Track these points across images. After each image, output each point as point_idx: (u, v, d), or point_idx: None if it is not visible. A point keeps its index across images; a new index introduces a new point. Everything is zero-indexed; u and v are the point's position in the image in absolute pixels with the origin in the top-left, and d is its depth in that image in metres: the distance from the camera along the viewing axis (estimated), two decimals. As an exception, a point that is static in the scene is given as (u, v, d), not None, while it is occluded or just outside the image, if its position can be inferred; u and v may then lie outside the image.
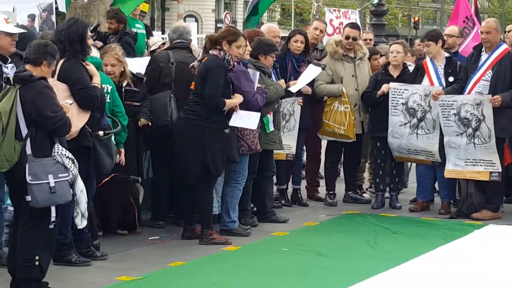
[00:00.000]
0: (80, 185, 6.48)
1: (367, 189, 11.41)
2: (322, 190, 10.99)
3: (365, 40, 12.50)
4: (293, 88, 9.82)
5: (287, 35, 10.47)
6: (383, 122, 10.23)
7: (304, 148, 11.00)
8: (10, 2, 12.76)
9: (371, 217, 9.91)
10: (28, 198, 6.25)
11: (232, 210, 8.86)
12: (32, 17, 12.86)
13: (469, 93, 9.80)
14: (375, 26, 26.42)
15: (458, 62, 10.21)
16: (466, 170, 9.77)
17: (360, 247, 8.47)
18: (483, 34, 9.87)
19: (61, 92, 6.88)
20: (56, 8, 12.78)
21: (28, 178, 6.22)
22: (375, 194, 10.73)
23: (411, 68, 10.55)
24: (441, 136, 9.96)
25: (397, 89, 10.18)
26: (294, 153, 10.20)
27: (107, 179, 8.26)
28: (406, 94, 10.11)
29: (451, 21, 12.85)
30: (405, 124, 10.14)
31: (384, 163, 10.51)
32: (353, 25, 10.87)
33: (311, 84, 10.21)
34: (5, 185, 7.01)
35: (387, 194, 10.62)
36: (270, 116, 9.30)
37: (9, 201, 7.10)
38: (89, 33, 8.36)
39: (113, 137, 7.78)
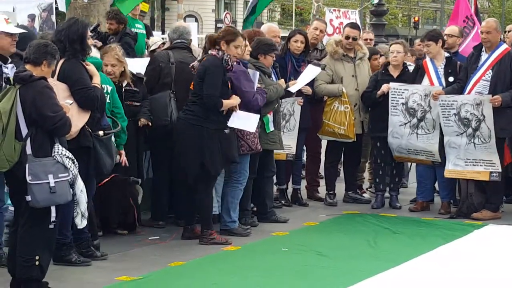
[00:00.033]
0: (80, 185, 6.48)
1: (367, 189, 11.41)
2: (322, 190, 10.99)
3: (366, 40, 12.50)
4: (293, 88, 9.82)
5: (287, 35, 10.47)
6: (383, 122, 10.23)
7: (304, 148, 11.00)
8: (10, 2, 12.75)
9: (371, 217, 9.91)
10: (28, 198, 6.25)
11: (232, 210, 8.86)
12: (32, 17, 12.86)
13: (469, 93, 9.80)
14: (375, 26, 26.43)
15: (458, 62, 10.21)
16: (466, 170, 9.77)
17: (360, 247, 8.47)
18: (483, 34, 9.87)
19: (61, 92, 6.88)
20: (56, 8, 12.78)
21: (28, 178, 6.22)
22: (375, 194, 10.73)
23: (411, 68, 10.55)
24: (441, 136, 9.96)
25: (397, 89, 10.18)
26: (294, 153, 10.20)
27: (107, 179, 8.26)
28: (406, 94, 10.11)
29: (451, 21, 12.85)
30: (405, 124, 10.14)
31: (384, 163, 10.51)
32: (353, 25, 10.87)
33: (311, 84, 10.21)
34: (5, 186, 7.01)
35: (387, 194, 10.62)
36: (270, 116, 9.30)
37: (9, 201, 7.10)
38: (89, 33, 8.36)
39: (113, 138, 7.78)
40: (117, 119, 7.96)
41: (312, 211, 10.31)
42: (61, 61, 7.10)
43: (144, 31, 12.02)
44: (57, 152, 6.34)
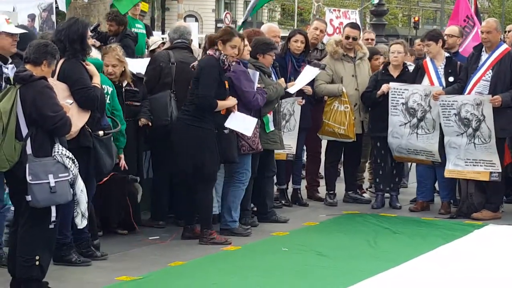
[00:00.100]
0: (80, 185, 6.48)
1: (367, 189, 11.41)
2: (322, 190, 10.99)
3: (367, 40, 12.52)
4: (291, 89, 9.82)
5: (287, 35, 10.47)
6: (383, 122, 10.23)
7: (304, 148, 11.00)
8: (10, 2, 12.74)
9: (371, 217, 9.91)
10: (28, 198, 6.25)
11: (234, 210, 8.86)
12: (32, 17, 12.85)
13: (469, 93, 9.80)
14: (375, 26, 26.44)
15: (458, 62, 10.21)
16: (466, 170, 9.77)
17: (360, 247, 8.47)
18: (484, 34, 9.87)
19: (61, 92, 6.88)
20: (56, 8, 12.77)
21: (28, 178, 6.22)
22: (375, 194, 10.73)
23: (411, 68, 10.56)
24: (441, 136, 9.96)
25: (397, 89, 10.18)
26: (294, 153, 10.20)
27: (106, 178, 8.24)
28: (406, 94, 10.11)
29: (451, 21, 12.85)
30: (405, 124, 10.14)
31: (384, 163, 10.51)
32: (353, 25, 10.87)
33: (311, 83, 10.21)
34: (6, 186, 7.01)
35: (387, 194, 10.62)
36: (270, 116, 9.30)
37: (10, 202, 7.09)
38: (89, 33, 8.36)
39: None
40: None
41: (312, 211, 10.31)
42: (61, 61, 7.10)
43: (144, 31, 12.01)
44: (57, 152, 6.34)
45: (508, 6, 66.51)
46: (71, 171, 6.37)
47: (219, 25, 48.13)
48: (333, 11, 16.74)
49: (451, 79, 10.09)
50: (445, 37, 10.47)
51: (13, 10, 12.36)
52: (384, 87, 10.20)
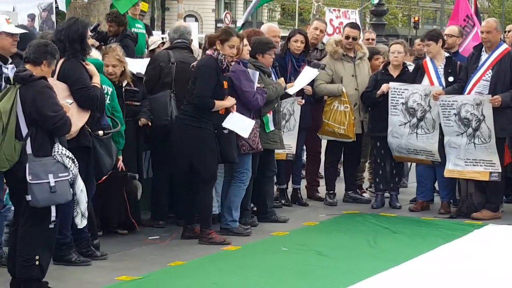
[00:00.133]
0: (80, 184, 6.48)
1: (367, 189, 11.41)
2: (322, 190, 10.99)
3: (368, 40, 12.53)
4: (290, 90, 9.81)
5: (287, 35, 10.47)
6: (383, 122, 10.23)
7: (304, 148, 11.00)
8: (10, 1, 12.74)
9: (371, 216, 9.91)
10: (28, 197, 6.25)
11: (234, 209, 8.85)
12: (32, 17, 12.85)
13: (469, 93, 9.80)
14: (375, 26, 26.45)
15: (458, 62, 10.21)
16: (466, 170, 9.77)
17: (360, 246, 8.47)
18: (484, 34, 9.87)
19: (60, 91, 6.88)
20: (56, 8, 12.78)
21: (28, 178, 6.22)
22: (375, 194, 10.73)
23: (411, 68, 10.56)
24: (441, 135, 9.96)
25: (397, 88, 10.18)
26: (294, 152, 10.20)
27: (105, 176, 8.22)
28: (406, 94, 10.11)
29: (451, 21, 12.84)
30: (405, 123, 10.15)
31: (384, 163, 10.51)
32: (353, 25, 10.87)
33: (311, 83, 10.21)
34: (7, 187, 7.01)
35: (387, 194, 10.62)
36: (269, 116, 9.29)
37: (10, 203, 7.09)
38: (89, 33, 8.35)
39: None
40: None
41: (312, 211, 10.31)
42: (61, 61, 7.10)
43: (144, 31, 12.01)
44: (57, 151, 6.34)
45: (508, 6, 66.52)
46: (71, 170, 6.37)
47: (219, 25, 48.14)
48: (333, 11, 16.74)
49: (451, 79, 10.09)
50: (445, 37, 10.47)
51: (13, 10, 12.37)
52: (384, 87, 10.20)
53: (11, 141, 6.25)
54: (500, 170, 9.66)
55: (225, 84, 8.43)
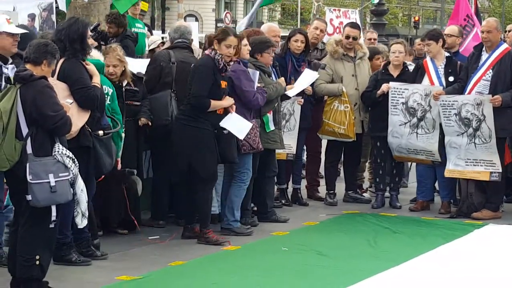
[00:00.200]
0: (80, 184, 6.48)
1: (367, 189, 11.41)
2: (322, 190, 10.99)
3: (369, 39, 12.53)
4: (290, 92, 9.80)
5: (287, 34, 10.46)
6: (383, 122, 10.23)
7: (304, 147, 11.00)
8: (10, 1, 12.75)
9: (371, 216, 9.91)
10: (29, 197, 6.25)
11: (235, 209, 8.85)
12: (32, 17, 12.86)
13: (469, 93, 9.80)
14: (375, 26, 26.48)
15: (458, 62, 10.21)
16: (466, 170, 9.77)
17: (360, 246, 8.47)
18: (484, 34, 9.87)
19: (61, 91, 6.88)
20: (56, 8, 12.78)
21: (28, 178, 6.22)
22: (375, 194, 10.73)
23: (411, 68, 10.56)
24: (441, 135, 9.97)
25: (397, 88, 10.18)
26: (294, 152, 10.19)
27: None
28: (406, 94, 10.11)
29: (451, 20, 12.84)
30: (405, 123, 10.15)
31: (384, 163, 10.51)
32: (353, 25, 10.87)
33: (312, 83, 10.20)
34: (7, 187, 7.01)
35: (387, 194, 10.62)
36: (270, 115, 9.29)
37: (10, 203, 7.09)
38: (89, 33, 8.35)
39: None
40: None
41: (312, 211, 10.31)
42: (61, 61, 7.10)
43: (144, 31, 12.02)
44: (58, 151, 6.34)
45: (508, 6, 66.55)
46: (71, 170, 6.37)
47: (219, 24, 48.16)
48: (333, 11, 16.74)
49: (451, 78, 10.09)
50: (445, 37, 10.46)
51: (13, 10, 12.38)
52: (384, 87, 10.20)
53: (12, 141, 6.25)
54: (500, 170, 9.66)
55: (223, 84, 8.41)
